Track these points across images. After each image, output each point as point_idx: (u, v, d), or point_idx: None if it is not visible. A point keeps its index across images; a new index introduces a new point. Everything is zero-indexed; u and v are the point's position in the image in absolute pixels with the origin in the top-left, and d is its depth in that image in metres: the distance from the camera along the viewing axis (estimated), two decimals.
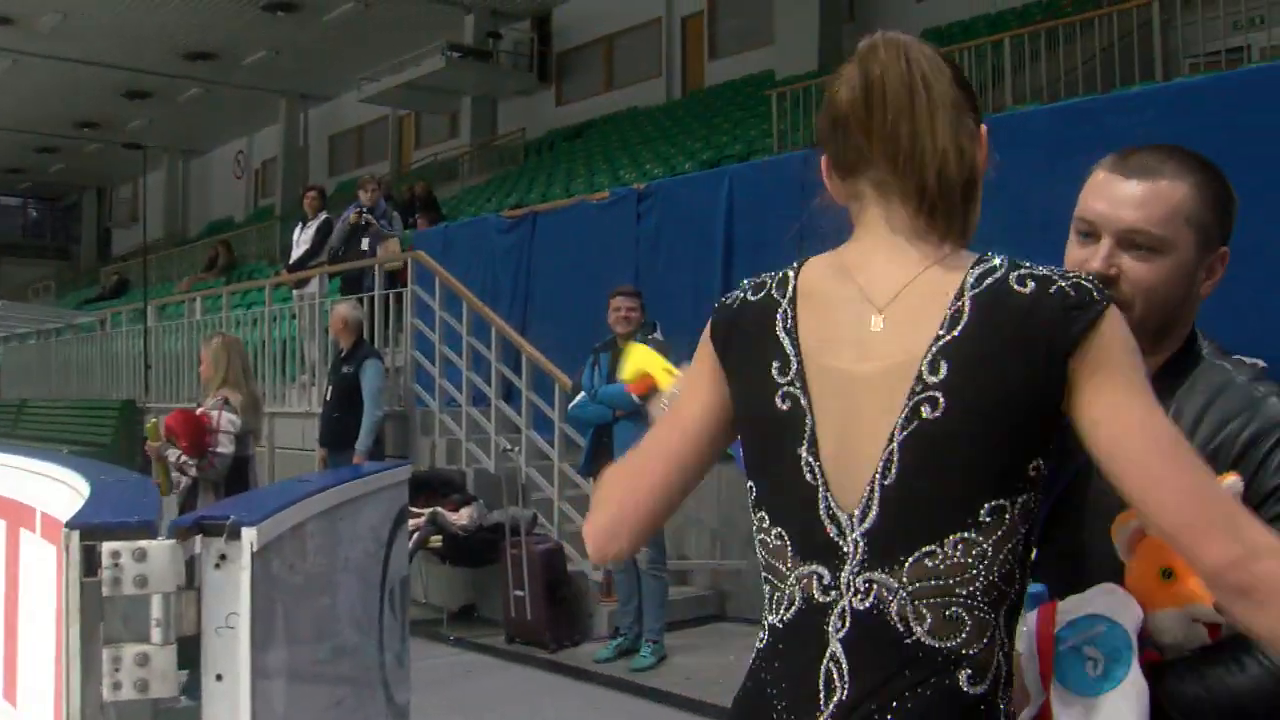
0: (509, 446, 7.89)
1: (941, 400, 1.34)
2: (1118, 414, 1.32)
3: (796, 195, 7.55)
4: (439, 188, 21.27)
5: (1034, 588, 1.57)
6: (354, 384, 8.14)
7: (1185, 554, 1.31)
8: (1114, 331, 1.34)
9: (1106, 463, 1.33)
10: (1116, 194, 1.70)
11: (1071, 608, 1.56)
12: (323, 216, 10.55)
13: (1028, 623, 1.55)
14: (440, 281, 9.33)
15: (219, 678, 1.93)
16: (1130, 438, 1.31)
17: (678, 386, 1.66)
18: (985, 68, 12.62)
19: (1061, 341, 1.32)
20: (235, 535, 1.94)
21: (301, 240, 10.66)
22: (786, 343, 1.44)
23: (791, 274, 1.49)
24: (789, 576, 1.42)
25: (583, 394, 6.83)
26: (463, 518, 7.56)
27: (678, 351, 6.05)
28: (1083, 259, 1.72)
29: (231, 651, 1.92)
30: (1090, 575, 1.60)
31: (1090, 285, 1.35)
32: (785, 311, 1.46)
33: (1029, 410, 1.34)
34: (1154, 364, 1.66)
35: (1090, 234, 1.73)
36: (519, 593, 7.24)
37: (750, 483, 1.50)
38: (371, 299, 9.67)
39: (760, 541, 1.48)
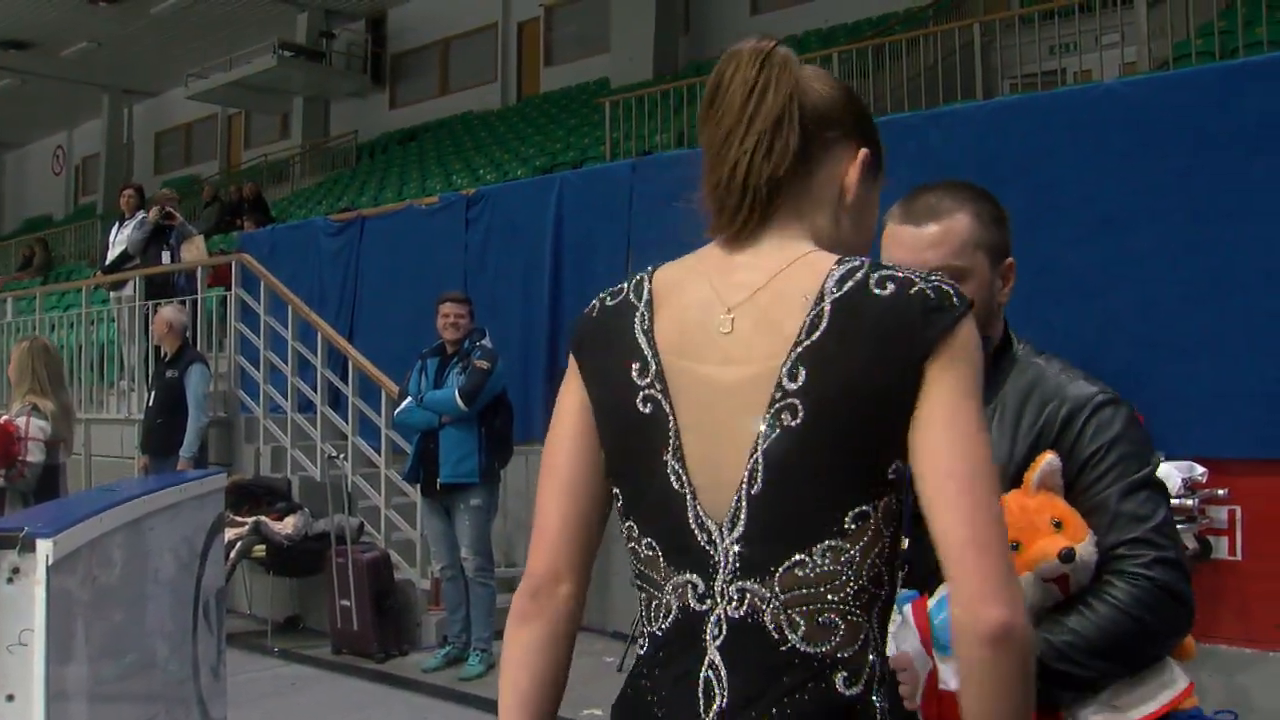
0: (335, 453, 7.77)
1: (801, 408, 1.32)
2: (950, 423, 1.32)
3: (625, 203, 7.65)
4: (269, 189, 20.86)
5: (905, 593, 1.74)
6: (178, 389, 7.91)
7: (953, 578, 1.30)
8: (968, 339, 1.34)
9: (916, 461, 1.34)
10: (913, 241, 1.91)
11: (939, 593, 1.70)
12: (140, 215, 10.21)
13: (904, 614, 1.72)
14: (266, 285, 9.13)
15: (10, 698, 1.86)
16: (949, 454, 1.31)
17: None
18: None
19: (919, 345, 1.31)
20: (29, 548, 1.87)
21: (118, 241, 10.31)
22: (644, 344, 1.42)
23: (646, 277, 1.48)
24: (665, 585, 1.41)
25: (409, 399, 6.78)
26: (287, 526, 7.42)
27: (505, 357, 6.05)
28: None
29: (25, 670, 1.86)
30: None
31: (950, 289, 1.35)
32: (642, 314, 1.44)
33: (887, 414, 1.33)
34: None
35: None
36: (345, 602, 7.14)
37: (615, 489, 1.48)
38: (194, 302, 9.42)
39: (632, 550, 1.46)
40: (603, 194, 7.88)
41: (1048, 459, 1.81)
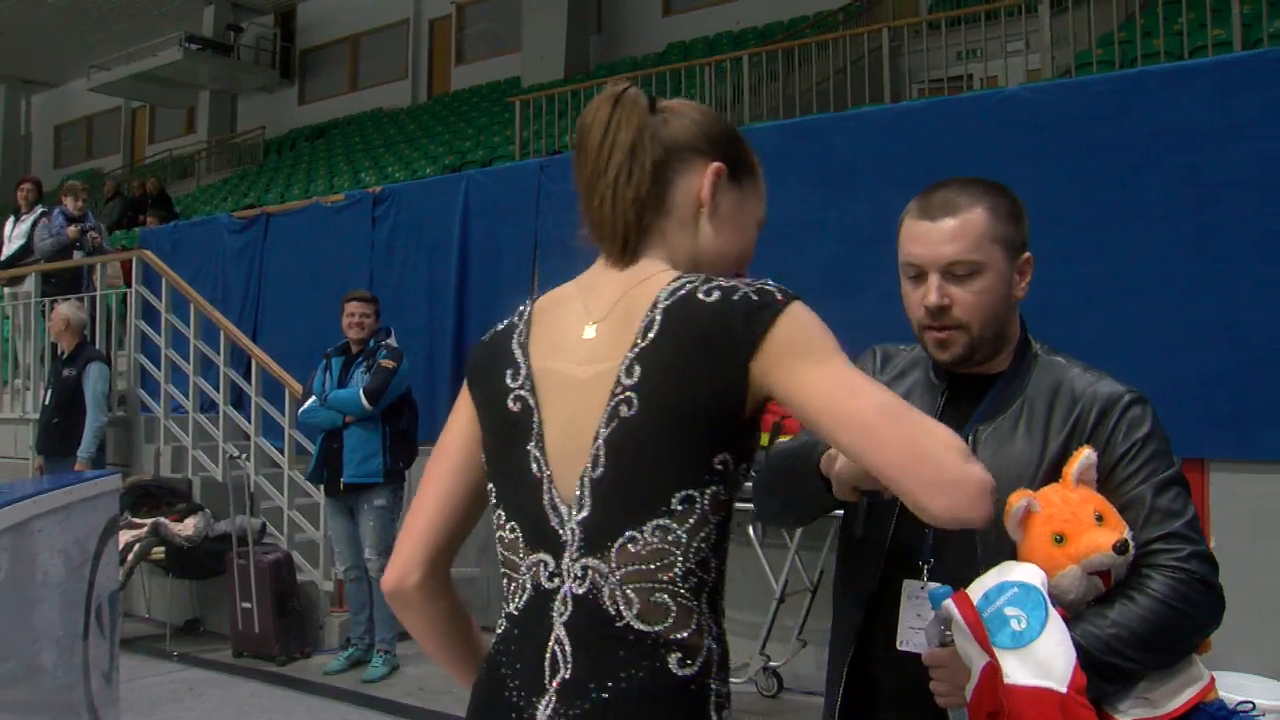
0: (237, 453, 7.64)
1: (635, 400, 1.47)
2: (819, 387, 1.44)
3: (532, 203, 7.62)
4: (173, 185, 20.52)
5: (940, 589, 1.74)
6: (76, 388, 7.74)
7: (911, 504, 1.41)
8: (793, 324, 1.46)
9: (829, 432, 1.45)
10: (930, 235, 1.92)
11: (979, 587, 1.72)
12: (39, 211, 9.94)
13: (945, 609, 1.69)
14: (167, 282, 8.96)
15: None
16: (836, 415, 1.43)
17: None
18: (726, 85, 12.97)
19: (742, 345, 1.45)
20: None
21: (15, 236, 10.02)
22: (519, 353, 1.60)
23: (529, 303, 1.67)
24: (521, 566, 1.55)
25: (313, 399, 6.70)
26: (187, 528, 7.28)
27: (411, 356, 5.97)
28: (919, 298, 1.94)
29: None
30: (988, 550, 1.82)
31: (774, 289, 1.48)
32: (520, 330, 1.62)
33: (712, 410, 1.47)
34: (998, 366, 1.98)
35: (918, 275, 1.95)
36: (246, 605, 7.03)
37: (490, 484, 1.63)
38: (93, 300, 9.21)
39: (499, 538, 1.60)
40: (510, 193, 7.84)
41: (1085, 453, 1.83)
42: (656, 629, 1.46)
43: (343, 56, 24.88)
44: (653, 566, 1.47)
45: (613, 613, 1.46)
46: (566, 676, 1.47)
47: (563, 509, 1.52)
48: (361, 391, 6.49)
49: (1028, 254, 1.97)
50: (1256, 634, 5.15)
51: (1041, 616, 1.67)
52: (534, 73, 18.37)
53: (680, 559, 1.47)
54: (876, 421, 1.41)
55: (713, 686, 1.49)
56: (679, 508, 1.47)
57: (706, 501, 1.49)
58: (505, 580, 1.60)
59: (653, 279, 1.55)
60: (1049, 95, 6.03)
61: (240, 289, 9.65)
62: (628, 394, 1.48)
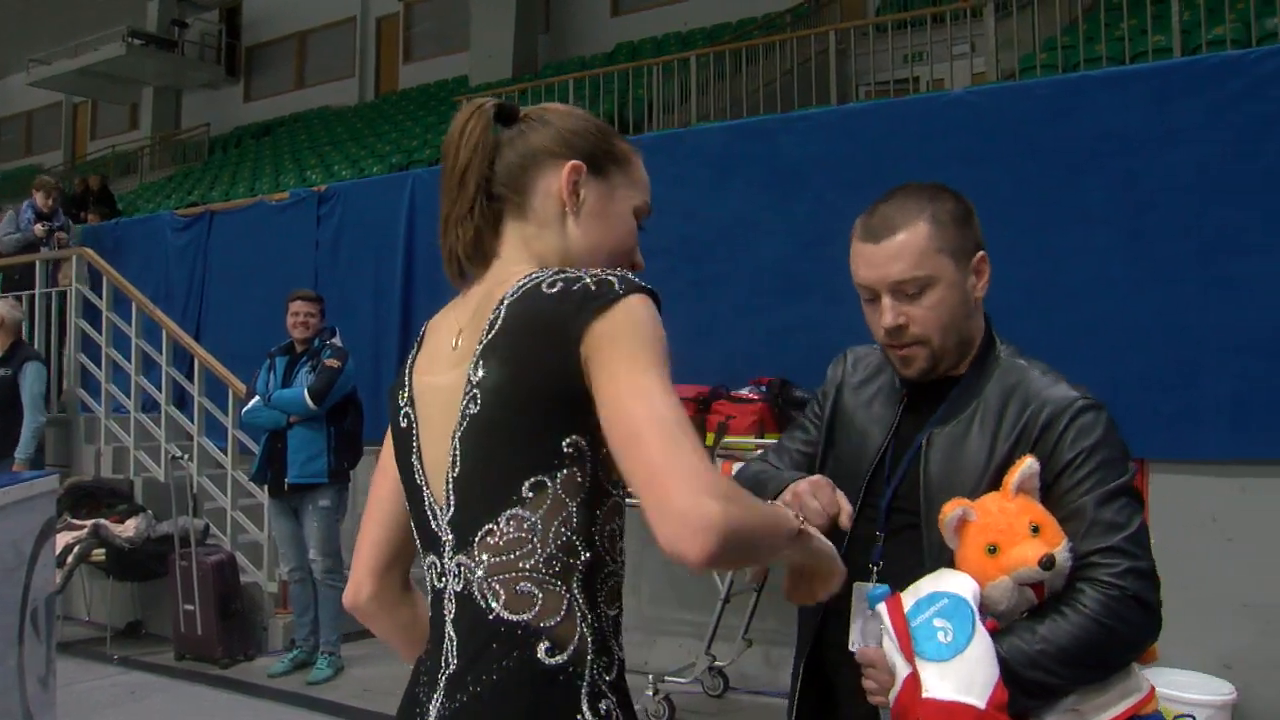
0: (179, 454, 7.55)
1: (479, 396, 1.50)
2: (615, 383, 1.42)
3: None
4: (116, 182, 20.23)
5: (878, 588, 1.80)
6: (12, 388, 7.62)
7: (643, 504, 1.35)
8: (625, 316, 1.45)
9: (604, 430, 1.43)
10: (875, 258, 1.93)
11: (913, 593, 1.76)
12: (24, 216, 9.73)
13: (878, 611, 1.75)
14: (109, 281, 8.85)
15: None
16: (612, 418, 1.41)
17: None
18: (673, 85, 12.98)
19: (574, 330, 1.44)
20: None
21: None
22: (407, 375, 1.67)
23: (427, 324, 1.72)
24: (423, 568, 1.62)
25: (256, 398, 6.64)
26: (129, 529, 7.19)
27: (356, 356, 5.95)
28: (876, 319, 1.97)
29: None
30: (933, 555, 1.85)
31: (616, 279, 1.48)
32: (414, 349, 1.70)
33: (553, 396, 1.46)
34: (960, 369, 1.98)
35: (872, 298, 1.97)
36: (189, 607, 6.96)
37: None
38: (33, 297, 9.09)
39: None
40: None
41: (1027, 462, 1.82)
42: (523, 617, 1.46)
43: (289, 53, 24.69)
44: (513, 556, 1.47)
45: (484, 606, 1.48)
46: (452, 672, 1.51)
47: (438, 511, 1.56)
48: (306, 391, 6.44)
49: (981, 253, 1.98)
50: (1196, 632, 5.23)
51: (968, 631, 1.69)
52: (482, 72, 18.31)
53: (539, 545, 1.47)
54: (643, 432, 1.37)
55: (587, 675, 1.47)
56: (529, 495, 1.47)
57: (559, 485, 1.47)
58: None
59: (507, 280, 1.56)
60: (992, 98, 6.08)
61: (183, 288, 9.55)
62: (474, 390, 1.50)
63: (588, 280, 1.48)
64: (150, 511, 7.40)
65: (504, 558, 1.48)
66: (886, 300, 1.92)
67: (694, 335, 6.44)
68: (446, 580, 1.54)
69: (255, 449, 6.96)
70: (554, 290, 1.49)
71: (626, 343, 1.44)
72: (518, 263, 1.62)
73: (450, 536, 1.53)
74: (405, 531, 1.69)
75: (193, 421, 8.21)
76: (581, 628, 1.48)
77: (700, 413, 5.69)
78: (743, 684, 6.00)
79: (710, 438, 5.56)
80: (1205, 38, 9.47)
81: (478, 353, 1.51)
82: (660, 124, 12.52)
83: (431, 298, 7.72)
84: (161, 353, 8.47)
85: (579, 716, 1.46)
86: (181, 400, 8.56)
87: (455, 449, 1.53)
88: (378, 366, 7.77)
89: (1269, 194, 5.11)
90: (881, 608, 1.74)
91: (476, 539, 1.50)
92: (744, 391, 5.83)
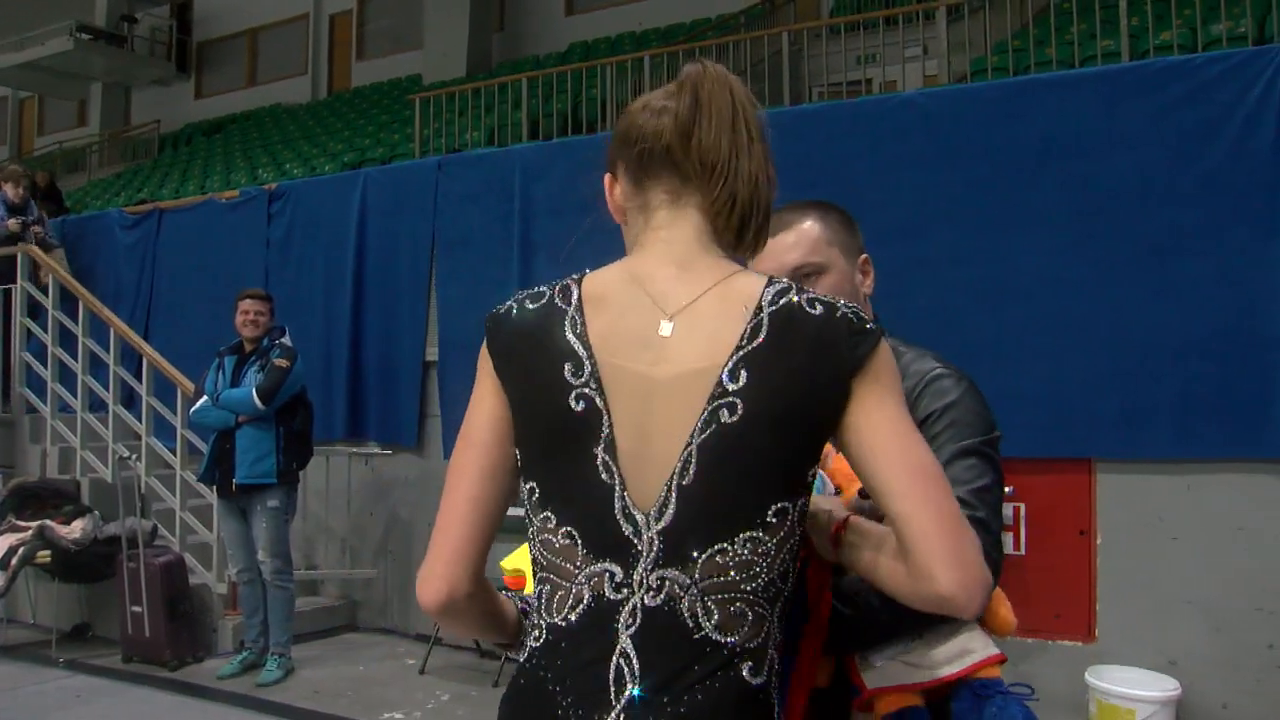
0: (127, 454, 7.47)
1: (740, 406, 1.40)
2: (895, 429, 1.44)
3: (430, 201, 7.58)
4: (64, 179, 19.96)
5: None
6: None
7: (918, 554, 1.41)
8: (888, 356, 1.47)
9: (875, 461, 1.44)
10: (773, 250, 2.02)
11: None
12: None
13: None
14: (55, 279, 8.73)
15: None
16: (901, 452, 1.43)
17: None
18: (627, 85, 12.97)
19: (849, 362, 1.43)
20: None
21: None
22: (578, 346, 1.46)
23: (573, 284, 1.53)
24: (578, 575, 1.45)
25: (205, 398, 6.58)
26: (75, 530, 7.11)
27: (307, 355, 5.91)
28: None
29: None
30: None
31: (865, 316, 1.47)
32: (574, 317, 1.49)
33: (814, 420, 1.44)
34: None
35: None
36: (136, 609, 6.89)
37: (531, 484, 1.51)
38: None
39: (543, 542, 1.49)
40: (408, 191, 7.78)
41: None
42: (733, 639, 1.42)
43: (241, 50, 24.44)
44: (738, 578, 1.42)
45: (691, 625, 1.41)
46: (635, 691, 1.40)
47: (639, 517, 1.43)
48: (254, 391, 6.39)
49: (865, 255, 2.15)
50: (1143, 629, 5.30)
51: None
52: (435, 70, 18.21)
53: (765, 571, 1.43)
54: (935, 478, 1.43)
55: (775, 694, 1.46)
56: (773, 520, 1.43)
57: (797, 514, 1.46)
58: (547, 588, 1.50)
59: (738, 277, 1.49)
60: (943, 101, 6.13)
61: (132, 286, 9.46)
62: (731, 399, 1.41)
63: (845, 309, 1.46)
64: (97, 512, 7.32)
65: (728, 578, 1.42)
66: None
67: None
68: (632, 592, 1.43)
69: (205, 449, 6.90)
70: (817, 312, 1.45)
71: (894, 385, 1.47)
72: (720, 257, 1.53)
73: (658, 547, 1.42)
74: (498, 521, 1.56)
75: (141, 421, 8.12)
76: (772, 650, 1.46)
77: None
78: None
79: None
80: (1153, 42, 9.57)
81: (735, 358, 1.42)
82: (613, 124, 12.48)
83: (382, 296, 7.70)
84: (109, 352, 8.38)
85: None
86: (129, 400, 8.47)
87: (691, 453, 1.42)
88: (328, 366, 7.73)
89: (1212, 196, 5.19)
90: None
91: (702, 556, 1.42)
92: None
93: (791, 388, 1.41)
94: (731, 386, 1.41)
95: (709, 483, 1.41)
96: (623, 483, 1.44)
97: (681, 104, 1.53)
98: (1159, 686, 4.95)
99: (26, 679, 6.58)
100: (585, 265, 1.58)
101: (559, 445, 1.47)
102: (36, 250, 8.92)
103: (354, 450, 7.79)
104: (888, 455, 1.43)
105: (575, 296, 1.51)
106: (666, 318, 1.46)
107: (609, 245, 1.67)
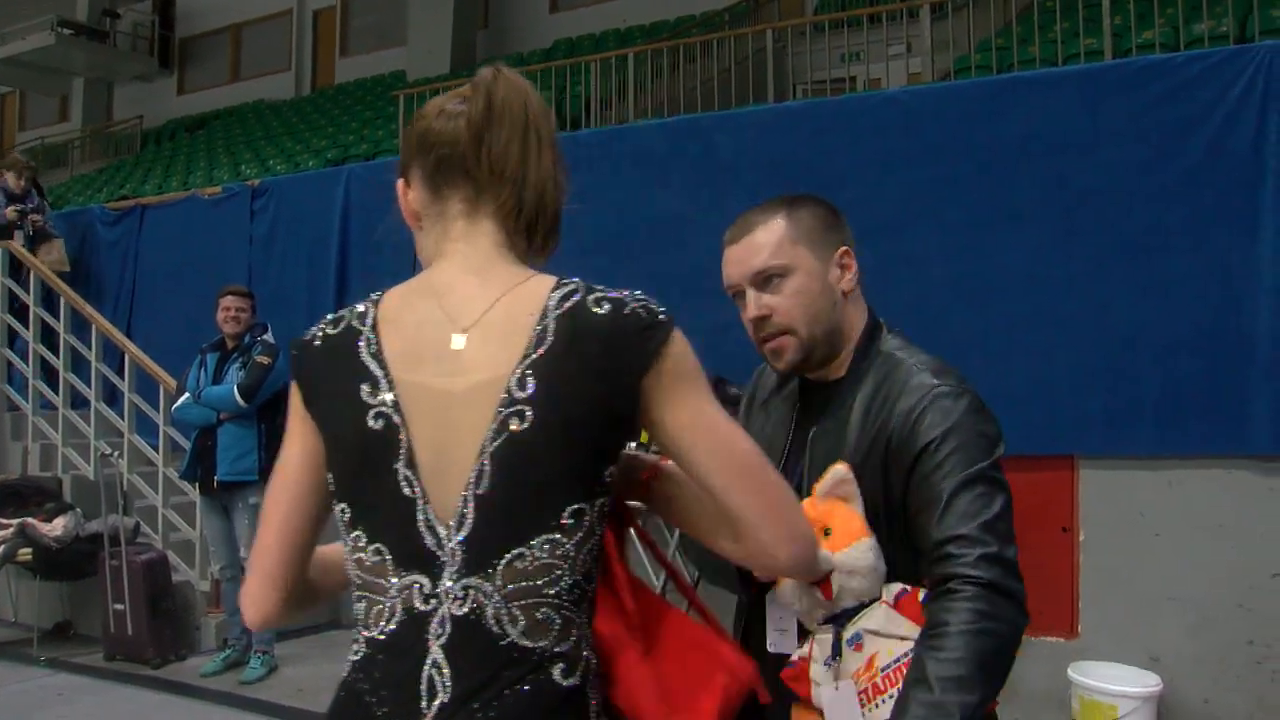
0: (109, 451, 7.44)
1: (529, 413, 1.42)
2: (703, 423, 1.49)
3: None
4: (45, 174, 19.79)
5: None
6: None
7: (756, 540, 1.50)
8: (682, 348, 1.49)
9: (691, 459, 1.50)
10: (736, 255, 2.03)
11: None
12: None
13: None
14: (36, 275, 8.69)
15: None
16: (716, 449, 1.49)
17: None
18: (611, 82, 12.97)
19: (640, 359, 1.46)
20: None
21: None
22: (374, 365, 1.49)
23: (369, 305, 1.56)
24: (390, 589, 1.47)
25: (187, 395, 6.56)
26: (56, 528, 7.08)
27: (288, 353, 5.88)
28: (746, 316, 2.04)
29: None
30: None
31: (656, 307, 1.48)
32: (369, 338, 1.51)
33: (606, 422, 1.46)
34: (835, 370, 2.02)
35: (738, 295, 2.04)
36: (119, 606, 6.86)
37: (341, 505, 1.53)
38: None
39: (356, 560, 1.51)
40: (390, 187, 7.67)
41: (835, 469, 1.85)
42: (541, 644, 1.44)
43: (224, 46, 24.36)
44: (540, 582, 1.44)
45: (497, 631, 1.43)
46: (445, 700, 1.42)
47: (440, 529, 1.45)
48: (236, 388, 6.38)
49: (845, 248, 2.03)
50: (1124, 625, 5.32)
51: None
52: (419, 67, 18.19)
53: (567, 573, 1.46)
54: (756, 467, 1.50)
55: (590, 696, 1.48)
56: (569, 521, 1.45)
57: (595, 514, 1.48)
58: (364, 604, 1.51)
59: (528, 284, 1.51)
60: (925, 98, 6.14)
61: (114, 282, 9.42)
62: (519, 407, 1.43)
63: (634, 305, 1.48)
64: (79, 510, 7.29)
65: (530, 583, 1.44)
66: (750, 293, 2.01)
67: None
68: (439, 602, 1.45)
69: (187, 446, 6.88)
70: (604, 311, 1.47)
71: (694, 377, 1.50)
72: (514, 264, 1.55)
73: (460, 557, 1.44)
74: (311, 543, 1.61)
75: (123, 418, 8.09)
76: (586, 652, 1.48)
77: None
78: None
79: (645, 435, 5.55)
80: (1135, 41, 9.60)
81: (522, 366, 1.44)
82: (598, 121, 12.50)
83: (366, 293, 7.60)
84: (91, 348, 8.34)
85: None
86: (111, 397, 8.43)
87: (485, 463, 1.44)
88: None
89: (1193, 194, 5.21)
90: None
91: (501, 562, 1.44)
92: None
93: (581, 392, 1.44)
94: (520, 395, 1.43)
95: (503, 490, 1.43)
96: (424, 496, 1.45)
97: (474, 108, 1.55)
98: (1141, 682, 4.97)
99: (8, 678, 6.56)
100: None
101: (362, 465, 1.49)
102: (15, 246, 8.87)
103: None
104: (704, 452, 1.49)
105: (371, 317, 1.53)
106: (459, 331, 1.48)
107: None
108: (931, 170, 5.79)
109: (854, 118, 6.23)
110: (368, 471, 1.48)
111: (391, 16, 20.21)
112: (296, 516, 1.58)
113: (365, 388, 1.48)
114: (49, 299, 8.69)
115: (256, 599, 1.60)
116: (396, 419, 1.46)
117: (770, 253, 1.99)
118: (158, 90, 24.73)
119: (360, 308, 1.56)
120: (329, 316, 1.58)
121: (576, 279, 1.52)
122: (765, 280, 1.99)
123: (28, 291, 8.71)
